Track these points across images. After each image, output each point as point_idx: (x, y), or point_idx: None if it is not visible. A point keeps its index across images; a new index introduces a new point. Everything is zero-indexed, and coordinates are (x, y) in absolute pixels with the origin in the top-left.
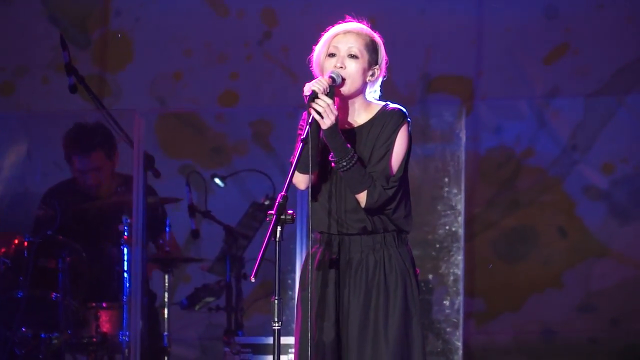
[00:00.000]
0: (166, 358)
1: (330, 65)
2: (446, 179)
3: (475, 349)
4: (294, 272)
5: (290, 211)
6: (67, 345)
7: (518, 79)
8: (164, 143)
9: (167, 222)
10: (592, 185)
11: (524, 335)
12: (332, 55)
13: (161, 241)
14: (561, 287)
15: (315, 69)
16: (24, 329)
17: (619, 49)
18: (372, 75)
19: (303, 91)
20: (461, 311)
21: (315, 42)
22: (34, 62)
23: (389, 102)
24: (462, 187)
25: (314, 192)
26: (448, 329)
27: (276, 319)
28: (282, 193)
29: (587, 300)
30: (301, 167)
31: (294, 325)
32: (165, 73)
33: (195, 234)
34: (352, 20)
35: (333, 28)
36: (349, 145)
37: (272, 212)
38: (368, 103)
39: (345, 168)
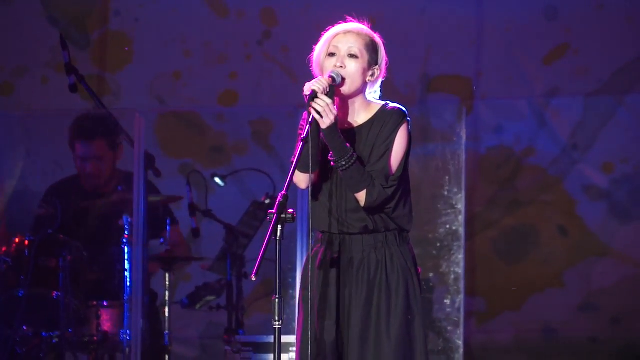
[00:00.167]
0: (167, 357)
1: (330, 64)
2: (447, 178)
3: (475, 348)
4: (295, 271)
5: (290, 210)
6: (68, 343)
7: (518, 79)
8: (163, 142)
9: (168, 221)
10: (592, 185)
11: (524, 334)
12: (332, 54)
13: (162, 240)
14: (561, 286)
15: (315, 68)
16: (25, 328)
17: (619, 48)
18: (372, 75)
19: (303, 91)
20: (462, 310)
21: (315, 42)
22: (34, 62)
23: (388, 102)
24: (463, 186)
25: (315, 191)
26: (449, 328)
27: (277, 318)
28: (283, 192)
29: (588, 300)
30: (301, 167)
31: (294, 324)
32: (164, 73)
33: (195, 233)
34: (353, 20)
35: (333, 28)
36: (348, 145)
37: (273, 211)
38: (368, 103)
39: (344, 167)
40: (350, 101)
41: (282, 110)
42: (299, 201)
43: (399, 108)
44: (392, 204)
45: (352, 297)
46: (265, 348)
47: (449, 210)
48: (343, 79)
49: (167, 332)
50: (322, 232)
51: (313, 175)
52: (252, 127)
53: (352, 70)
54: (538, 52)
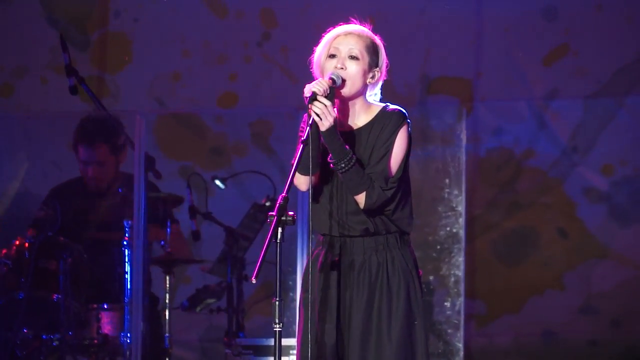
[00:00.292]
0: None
1: (330, 66)
2: (447, 180)
3: (475, 351)
4: (295, 273)
5: (291, 212)
6: (69, 346)
7: (517, 80)
8: (163, 144)
9: (168, 223)
10: (592, 187)
11: (524, 337)
12: (332, 56)
13: (162, 242)
14: (561, 288)
15: (315, 70)
16: (25, 330)
17: (619, 50)
18: (373, 77)
19: (303, 92)
20: (462, 312)
21: (315, 43)
22: (33, 63)
23: (388, 103)
24: (463, 188)
25: (316, 194)
26: (449, 331)
27: (277, 321)
28: (283, 194)
29: (588, 302)
30: (302, 169)
31: (295, 327)
32: (164, 74)
33: (195, 236)
34: (354, 22)
35: (334, 29)
36: (347, 147)
37: (273, 213)
38: (368, 105)
39: (343, 170)
40: (350, 103)
41: (282, 111)
42: (300, 203)
43: (399, 110)
44: (392, 206)
45: (353, 299)
46: (265, 351)
47: (449, 213)
48: (343, 81)
49: (167, 334)
50: (323, 234)
51: (313, 178)
52: (252, 128)
53: (353, 72)
54: (538, 53)
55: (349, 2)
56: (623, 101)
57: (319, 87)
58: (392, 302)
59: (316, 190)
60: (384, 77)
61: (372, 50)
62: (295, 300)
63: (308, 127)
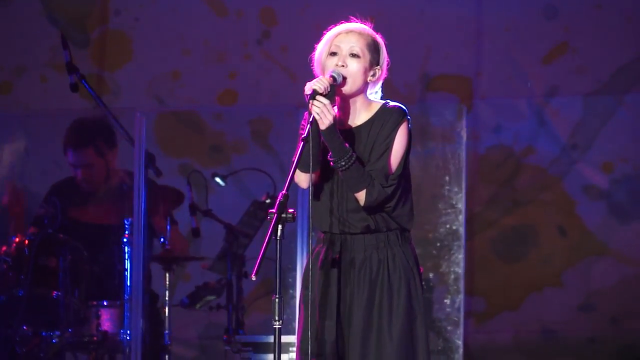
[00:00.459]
0: (167, 357)
1: (331, 63)
2: (447, 178)
3: (474, 348)
4: (295, 270)
5: (291, 210)
6: (68, 343)
7: (517, 78)
8: (162, 142)
9: (168, 219)
10: (591, 185)
11: (523, 334)
12: (333, 54)
13: (162, 239)
14: (561, 286)
15: (316, 67)
16: (24, 328)
17: (618, 48)
18: (373, 75)
19: (304, 90)
20: (462, 310)
21: (315, 42)
22: (33, 61)
23: (388, 100)
24: (463, 186)
25: (316, 191)
26: (449, 328)
27: (277, 318)
28: (283, 192)
29: (587, 300)
30: (302, 166)
31: (295, 324)
32: (164, 72)
33: (195, 233)
34: (356, 20)
35: (335, 27)
36: (347, 145)
37: (273, 210)
38: (369, 102)
39: (343, 168)
40: (351, 101)
41: (282, 109)
42: (300, 201)
43: (399, 106)
44: (392, 203)
45: (354, 297)
46: (265, 348)
47: (449, 210)
48: (344, 79)
49: (167, 332)
50: (324, 232)
51: (314, 175)
52: (252, 126)
53: (354, 69)
54: (537, 52)
55: (349, 1)
56: (623, 99)
57: (319, 85)
58: (392, 299)
59: (317, 187)
60: (384, 74)
61: (373, 48)
62: (295, 297)
63: (308, 125)
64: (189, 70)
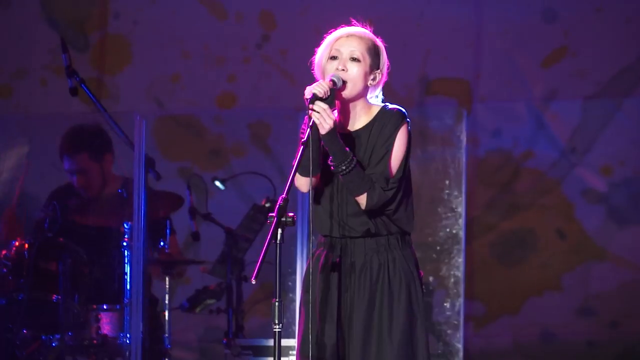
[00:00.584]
0: None
1: (331, 67)
2: (446, 182)
3: (473, 352)
4: (295, 274)
5: (291, 214)
6: (68, 347)
7: (516, 82)
8: (161, 145)
9: (168, 224)
10: (590, 188)
11: (523, 338)
12: (334, 58)
13: (162, 243)
14: (560, 290)
15: (316, 71)
16: (24, 331)
17: (617, 51)
18: (374, 79)
19: (304, 94)
20: (461, 313)
21: (314, 45)
22: (32, 65)
23: (388, 103)
24: (463, 190)
25: (317, 195)
26: (449, 331)
27: (277, 321)
28: (283, 195)
29: (586, 303)
30: (302, 170)
31: (294, 328)
32: (163, 75)
33: (195, 236)
34: (356, 24)
35: (336, 31)
36: (347, 149)
37: (273, 214)
38: (369, 106)
39: (344, 172)
40: (351, 105)
41: (281, 113)
42: (300, 204)
43: (399, 109)
44: (393, 206)
45: (354, 300)
46: (265, 351)
47: (449, 214)
48: (344, 83)
49: (167, 335)
50: (324, 236)
51: (314, 179)
52: (251, 129)
53: (354, 73)
54: (536, 55)
55: (348, 5)
56: (622, 103)
57: (319, 89)
58: (393, 303)
59: (317, 191)
60: (385, 78)
61: (374, 52)
62: (294, 301)
63: (308, 129)
64: (188, 74)
